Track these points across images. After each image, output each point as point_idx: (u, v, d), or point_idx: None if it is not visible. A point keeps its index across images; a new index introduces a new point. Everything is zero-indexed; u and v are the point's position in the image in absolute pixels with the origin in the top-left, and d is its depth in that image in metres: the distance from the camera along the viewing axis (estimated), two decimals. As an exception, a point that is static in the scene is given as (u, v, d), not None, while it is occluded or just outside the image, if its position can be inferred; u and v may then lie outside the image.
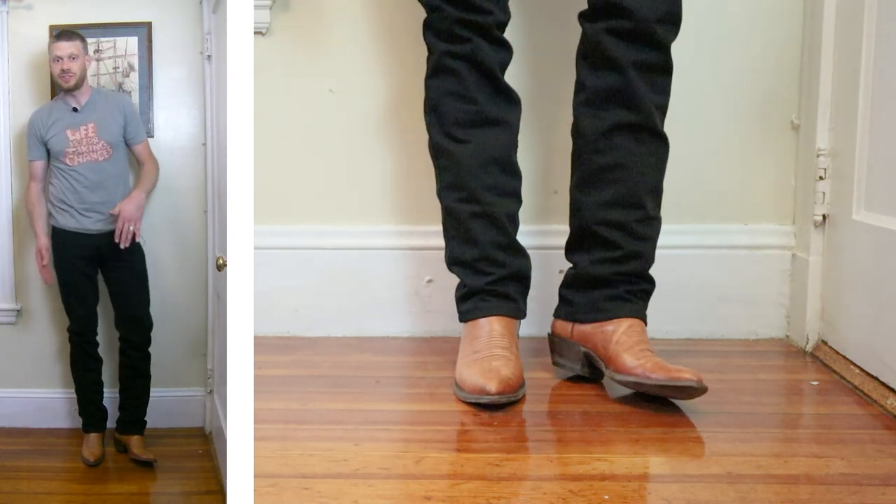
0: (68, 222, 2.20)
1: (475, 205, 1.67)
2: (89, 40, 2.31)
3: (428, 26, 1.66)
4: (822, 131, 1.86)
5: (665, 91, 1.61)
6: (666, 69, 1.59)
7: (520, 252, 1.71)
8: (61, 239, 2.21)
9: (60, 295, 2.25)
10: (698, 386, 1.48)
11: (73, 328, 2.25)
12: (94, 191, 2.20)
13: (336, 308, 2.07)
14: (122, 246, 2.16)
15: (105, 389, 2.30)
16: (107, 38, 2.33)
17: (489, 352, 1.61)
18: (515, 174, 1.70)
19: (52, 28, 2.35)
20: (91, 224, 2.20)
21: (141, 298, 2.25)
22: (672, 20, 1.57)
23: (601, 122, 1.61)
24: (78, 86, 2.20)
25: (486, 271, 1.68)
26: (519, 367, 1.60)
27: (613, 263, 1.64)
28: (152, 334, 2.28)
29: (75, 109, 2.20)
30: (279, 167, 2.06)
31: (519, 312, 1.70)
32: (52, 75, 2.24)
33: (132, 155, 2.28)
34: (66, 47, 2.16)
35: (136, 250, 2.26)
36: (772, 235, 2.01)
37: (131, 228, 2.15)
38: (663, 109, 1.62)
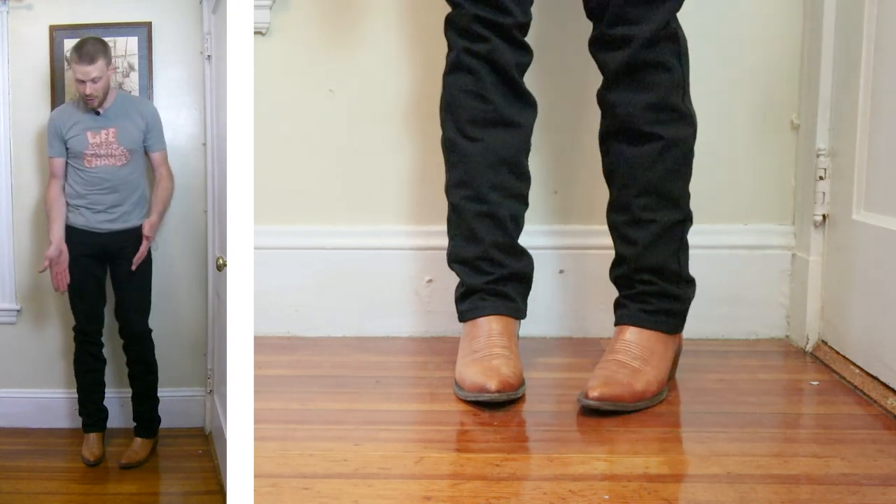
0: (77, 220, 2.21)
1: (481, 204, 1.67)
2: (89, 40, 2.31)
3: (449, 22, 1.66)
4: (822, 131, 1.86)
5: (653, 87, 1.57)
6: (649, 63, 1.56)
7: (521, 254, 1.71)
8: (70, 237, 2.21)
9: (67, 293, 2.24)
10: (599, 405, 1.49)
11: (76, 327, 2.24)
12: (108, 194, 2.22)
13: (336, 308, 2.07)
14: (133, 267, 2.21)
15: (107, 389, 2.30)
16: (107, 39, 2.33)
17: (489, 351, 1.61)
18: (523, 177, 1.70)
19: (52, 28, 2.35)
20: (98, 223, 2.20)
21: (142, 292, 2.24)
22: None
23: (601, 129, 1.65)
24: (102, 103, 2.19)
25: (485, 270, 1.68)
26: (518, 367, 1.60)
27: (612, 268, 1.68)
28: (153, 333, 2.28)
29: (97, 113, 2.20)
30: (279, 167, 2.06)
31: (518, 312, 1.70)
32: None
33: (149, 162, 2.29)
34: (90, 71, 2.13)
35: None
36: (772, 235, 2.01)
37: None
38: (655, 106, 1.58)
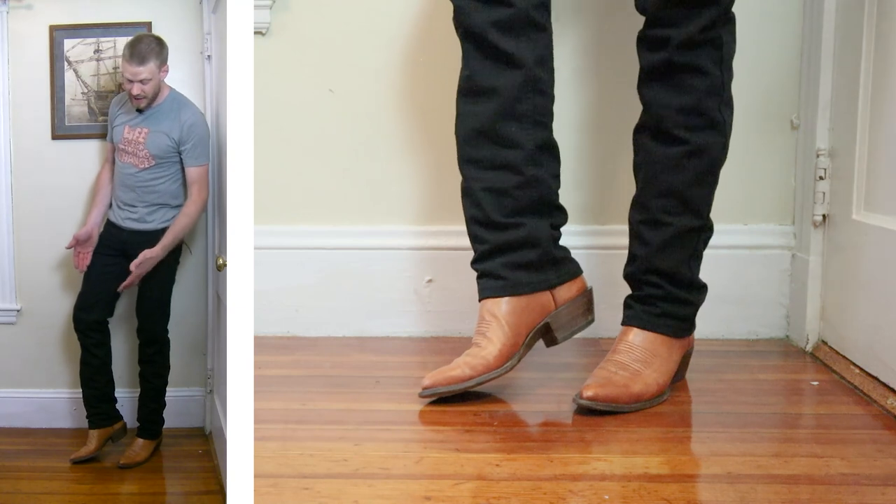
0: (110, 213, 2.22)
1: (463, 180, 1.63)
2: (89, 40, 2.30)
3: None
4: (822, 131, 1.86)
5: (688, 90, 1.55)
6: (684, 66, 1.54)
7: (506, 227, 1.59)
8: (104, 227, 2.23)
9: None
10: (592, 405, 1.49)
11: (74, 311, 2.20)
12: (126, 191, 2.19)
13: (336, 308, 2.07)
14: (118, 288, 2.14)
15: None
16: (107, 38, 2.32)
17: (472, 342, 1.61)
18: (507, 145, 1.57)
19: (52, 28, 2.35)
20: (121, 220, 2.19)
21: (162, 294, 2.22)
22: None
23: (637, 122, 1.62)
24: (150, 103, 2.14)
25: (474, 247, 1.64)
26: (484, 353, 1.56)
27: (626, 265, 1.65)
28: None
29: (139, 111, 2.16)
30: (279, 167, 2.06)
31: (507, 289, 1.60)
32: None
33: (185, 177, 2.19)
34: (139, 72, 2.07)
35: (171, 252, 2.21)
36: (772, 235, 2.01)
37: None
38: (687, 110, 1.55)
